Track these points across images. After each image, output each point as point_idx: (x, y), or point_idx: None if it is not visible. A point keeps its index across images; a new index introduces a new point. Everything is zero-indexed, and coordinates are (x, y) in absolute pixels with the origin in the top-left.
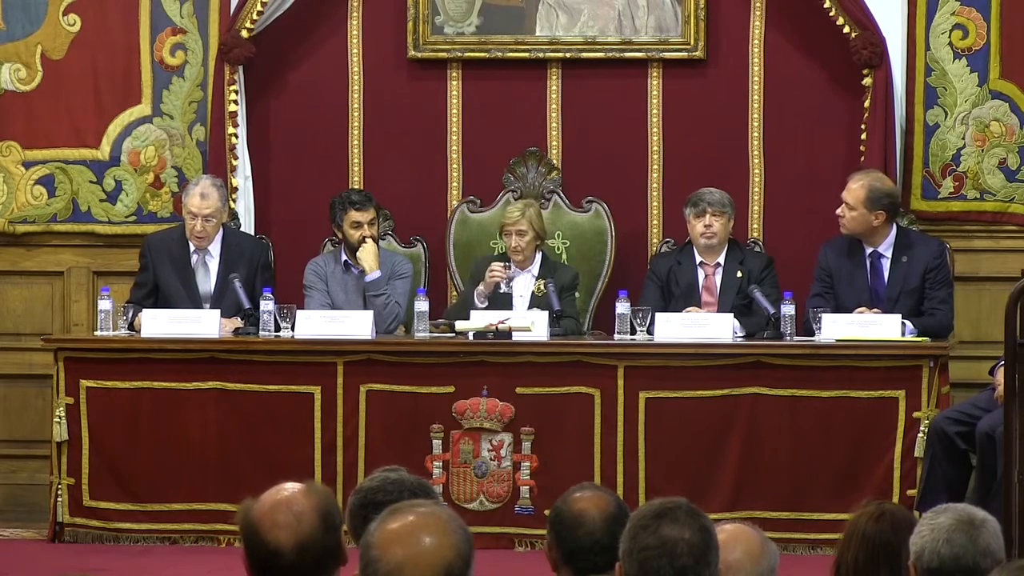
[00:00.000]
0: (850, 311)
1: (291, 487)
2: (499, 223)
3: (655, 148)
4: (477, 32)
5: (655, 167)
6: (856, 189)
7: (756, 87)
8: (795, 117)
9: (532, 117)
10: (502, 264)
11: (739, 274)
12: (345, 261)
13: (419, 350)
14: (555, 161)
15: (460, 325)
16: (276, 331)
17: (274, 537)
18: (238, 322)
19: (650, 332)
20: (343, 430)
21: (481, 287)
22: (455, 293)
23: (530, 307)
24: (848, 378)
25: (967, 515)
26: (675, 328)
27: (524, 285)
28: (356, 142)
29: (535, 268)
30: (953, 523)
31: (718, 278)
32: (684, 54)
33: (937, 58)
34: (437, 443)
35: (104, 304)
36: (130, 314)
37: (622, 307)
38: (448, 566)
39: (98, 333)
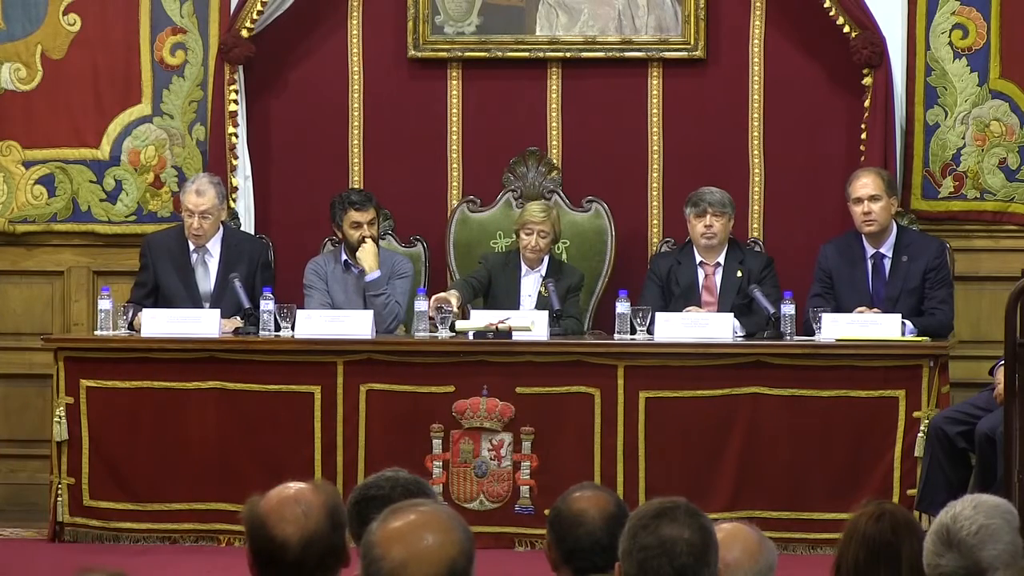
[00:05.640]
0: (851, 311)
1: (299, 484)
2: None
3: (655, 148)
4: (477, 32)
5: (655, 167)
6: (874, 180)
7: (756, 87)
8: (795, 117)
9: (532, 117)
10: (446, 299)
11: (739, 274)
12: (345, 261)
13: (419, 350)
14: (555, 161)
15: (460, 325)
16: (276, 331)
17: (281, 531)
18: (238, 322)
19: (650, 332)
20: (343, 430)
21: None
22: None
23: (537, 307)
24: (848, 378)
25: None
26: (675, 328)
27: (532, 285)
28: (356, 142)
29: (543, 268)
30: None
31: (718, 278)
32: (684, 54)
33: (937, 58)
34: (437, 443)
35: (104, 304)
36: (130, 314)
37: (622, 307)
38: (451, 564)
39: (98, 333)
